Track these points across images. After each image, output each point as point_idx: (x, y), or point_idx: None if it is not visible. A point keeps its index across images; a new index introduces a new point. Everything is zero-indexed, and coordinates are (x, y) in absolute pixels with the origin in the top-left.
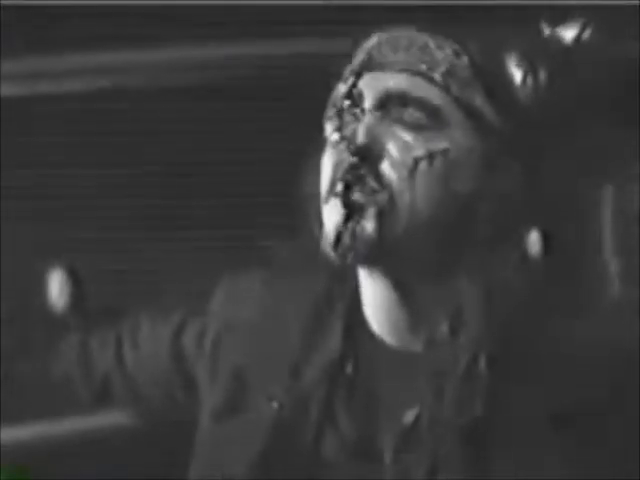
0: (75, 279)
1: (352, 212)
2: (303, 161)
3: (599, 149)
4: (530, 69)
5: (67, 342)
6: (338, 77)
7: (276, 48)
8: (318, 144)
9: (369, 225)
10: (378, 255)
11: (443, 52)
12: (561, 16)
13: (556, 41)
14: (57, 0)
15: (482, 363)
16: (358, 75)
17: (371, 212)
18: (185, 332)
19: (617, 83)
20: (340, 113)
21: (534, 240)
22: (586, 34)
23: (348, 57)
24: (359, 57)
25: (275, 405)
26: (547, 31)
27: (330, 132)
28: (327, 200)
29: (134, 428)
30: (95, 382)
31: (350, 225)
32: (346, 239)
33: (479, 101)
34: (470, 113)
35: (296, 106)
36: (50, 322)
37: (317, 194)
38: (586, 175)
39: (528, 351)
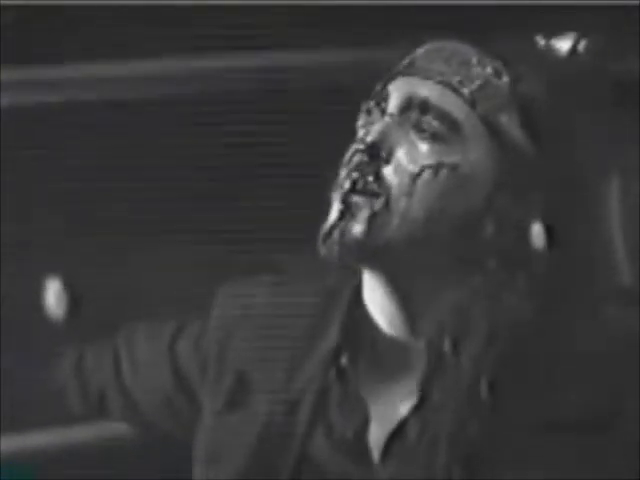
0: (72, 288)
1: (347, 211)
2: (306, 170)
3: (602, 142)
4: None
5: (63, 354)
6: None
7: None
8: (331, 156)
9: (358, 227)
10: (364, 256)
11: (483, 69)
12: (556, 26)
13: (551, 52)
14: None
15: (483, 386)
16: (391, 77)
17: (364, 214)
18: (182, 338)
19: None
20: (368, 111)
21: (538, 233)
22: (581, 45)
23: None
24: (404, 62)
25: (271, 402)
26: (542, 42)
27: (358, 127)
28: (335, 193)
29: (132, 438)
30: (92, 395)
31: (342, 223)
32: (335, 236)
33: (508, 122)
34: (495, 132)
35: (314, 115)
36: (48, 332)
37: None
38: (592, 167)
39: (529, 372)
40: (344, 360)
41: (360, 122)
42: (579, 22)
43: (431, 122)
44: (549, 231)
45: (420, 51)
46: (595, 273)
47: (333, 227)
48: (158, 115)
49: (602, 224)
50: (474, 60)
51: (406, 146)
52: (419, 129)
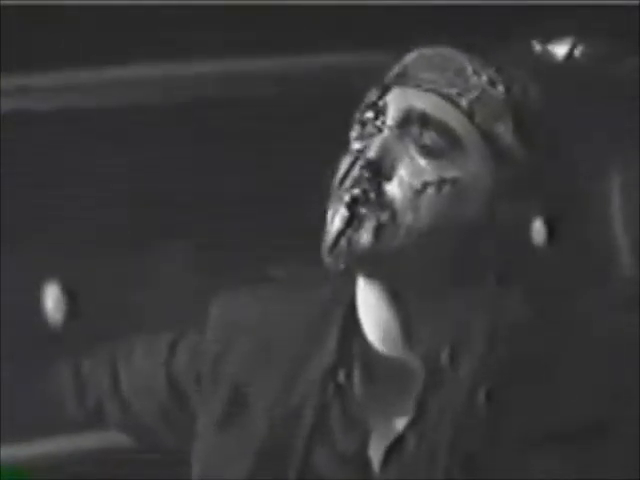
0: (70, 295)
1: (353, 220)
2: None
3: (602, 140)
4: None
5: (62, 359)
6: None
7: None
8: (331, 164)
9: (365, 236)
10: (370, 266)
11: (478, 78)
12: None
13: (547, 57)
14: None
15: (481, 395)
16: (387, 88)
17: (371, 224)
18: (179, 351)
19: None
20: (364, 122)
21: (538, 229)
22: (578, 50)
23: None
24: (395, 70)
25: (269, 417)
26: (538, 47)
27: (352, 139)
28: (332, 204)
29: (130, 447)
30: (89, 404)
31: (349, 232)
32: (342, 244)
33: (504, 131)
34: (491, 141)
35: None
36: (46, 336)
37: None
38: (592, 166)
39: (528, 378)
40: (341, 377)
41: (354, 134)
42: (578, 23)
43: (431, 137)
44: (550, 229)
45: (411, 58)
46: (595, 272)
47: (339, 236)
48: (158, 121)
49: (602, 222)
50: (469, 69)
51: (407, 162)
52: (419, 144)
